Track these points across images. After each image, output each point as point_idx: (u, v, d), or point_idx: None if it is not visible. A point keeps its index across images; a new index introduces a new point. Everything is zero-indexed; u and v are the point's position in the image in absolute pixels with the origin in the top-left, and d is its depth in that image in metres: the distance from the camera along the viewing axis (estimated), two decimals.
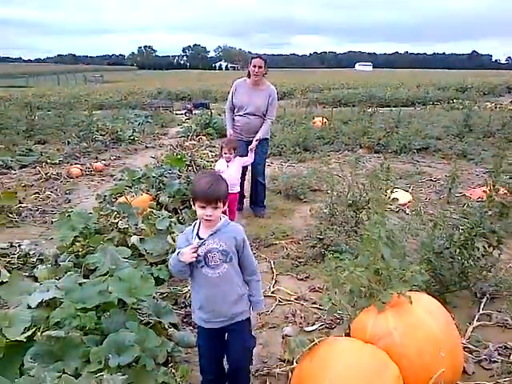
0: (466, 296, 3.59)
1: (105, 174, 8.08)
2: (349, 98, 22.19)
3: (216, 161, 5.78)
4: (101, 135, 11.22)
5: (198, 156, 7.88)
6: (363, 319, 2.61)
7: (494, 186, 3.30)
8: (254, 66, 5.21)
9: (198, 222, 2.30)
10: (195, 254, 2.18)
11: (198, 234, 2.26)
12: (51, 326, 2.52)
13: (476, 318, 3.34)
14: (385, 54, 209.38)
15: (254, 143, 5.31)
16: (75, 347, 2.42)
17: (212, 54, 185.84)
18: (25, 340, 2.43)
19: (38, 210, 5.90)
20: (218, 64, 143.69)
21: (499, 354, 2.95)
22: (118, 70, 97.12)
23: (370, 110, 13.60)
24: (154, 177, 5.86)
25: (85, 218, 3.92)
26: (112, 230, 3.93)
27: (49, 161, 8.79)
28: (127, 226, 3.88)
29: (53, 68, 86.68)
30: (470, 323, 3.28)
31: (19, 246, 4.56)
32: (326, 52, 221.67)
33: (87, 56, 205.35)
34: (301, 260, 4.29)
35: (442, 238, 3.37)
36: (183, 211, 5.28)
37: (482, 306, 3.47)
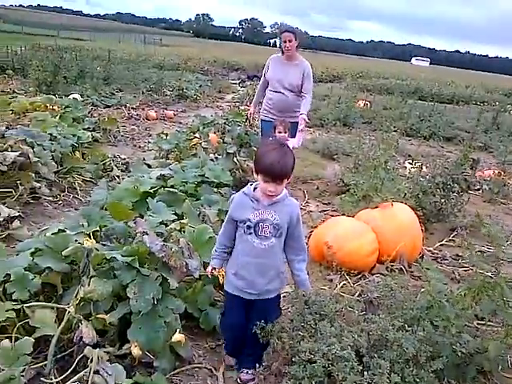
0: (441, 228, 5.00)
1: (175, 121, 9.72)
2: (395, 87, 23.08)
3: None
4: (168, 91, 12.88)
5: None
6: (361, 212, 4.10)
7: (469, 147, 4.64)
8: (285, 41, 4.89)
9: (255, 184, 2.24)
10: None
11: (255, 198, 2.20)
12: (167, 188, 4.10)
13: (444, 240, 4.75)
14: (445, 51, 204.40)
15: (303, 123, 4.75)
16: (181, 200, 3.99)
17: (268, 29, 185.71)
18: (152, 191, 4.02)
19: (128, 137, 7.58)
20: (272, 41, 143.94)
21: (451, 258, 4.37)
22: (174, 35, 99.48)
23: (411, 100, 14.74)
24: (219, 123, 7.41)
25: (177, 137, 5.52)
26: (196, 148, 5.52)
27: (128, 104, 10.49)
28: (206, 147, 5.46)
29: (114, 26, 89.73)
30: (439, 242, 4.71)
31: (119, 156, 6.24)
32: (383, 41, 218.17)
33: (145, 17, 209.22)
34: (327, 192, 5.77)
35: (427, 180, 4.77)
36: (241, 151, 6.81)
37: (450, 234, 4.88)
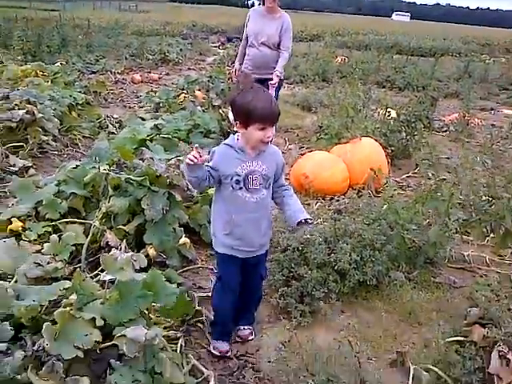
0: (408, 163, 5.61)
1: (160, 83, 10.09)
2: (373, 43, 23.37)
3: None
4: (151, 55, 13.14)
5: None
6: (334, 148, 4.68)
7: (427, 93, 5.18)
8: None
9: (237, 135, 2.15)
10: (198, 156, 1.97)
11: (241, 149, 2.11)
12: (161, 135, 4.61)
13: (410, 172, 5.37)
14: (426, 4, 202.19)
15: (276, 78, 4.74)
16: (175, 145, 4.51)
17: None
18: (148, 138, 4.52)
19: (117, 99, 8.01)
20: (250, 1, 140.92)
21: (414, 185, 4.99)
22: (149, 1, 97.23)
23: (388, 54, 15.16)
24: (204, 81, 7.84)
25: (166, 93, 5.99)
26: (183, 103, 6.01)
27: (113, 70, 10.80)
28: (194, 101, 5.95)
29: None
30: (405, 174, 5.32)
31: (112, 116, 6.69)
32: None
33: None
34: (306, 138, 6.32)
35: (393, 120, 5.34)
36: (226, 104, 7.29)
37: (415, 168, 5.50)
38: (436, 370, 2.04)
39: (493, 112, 9.63)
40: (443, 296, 2.88)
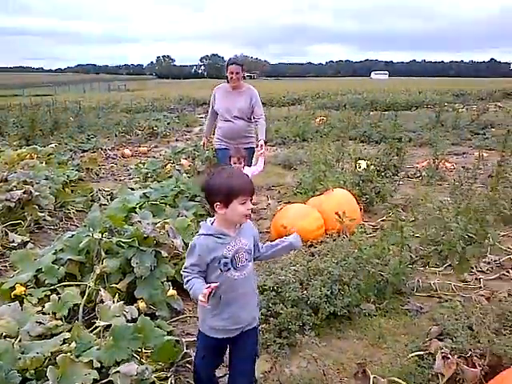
0: (383, 208, 5.99)
1: (149, 156, 10.65)
2: (352, 102, 24.53)
3: None
4: (139, 130, 13.86)
5: None
6: (310, 200, 5.08)
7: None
8: (231, 73, 5.10)
9: (210, 220, 2.16)
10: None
11: (221, 233, 2.08)
12: (150, 202, 4.99)
13: (384, 217, 5.73)
14: (402, 62, 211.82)
15: (262, 149, 4.95)
16: (162, 210, 4.88)
17: None
18: (137, 206, 4.90)
19: (109, 173, 8.49)
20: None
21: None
22: (138, 79, 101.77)
23: (365, 111, 16.05)
24: (189, 150, 8.38)
25: (154, 164, 6.45)
26: (170, 172, 6.46)
27: (104, 147, 11.40)
28: (179, 169, 6.41)
29: (77, 78, 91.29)
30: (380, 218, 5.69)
31: (104, 189, 7.12)
32: (342, 60, 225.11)
33: (107, 66, 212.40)
34: (286, 193, 6.74)
35: (364, 170, 5.79)
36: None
37: (389, 212, 5.87)
38: (396, 379, 2.30)
39: (464, 155, 10.20)
40: (410, 321, 3.16)
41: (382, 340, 2.91)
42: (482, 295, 3.55)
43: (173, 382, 2.50)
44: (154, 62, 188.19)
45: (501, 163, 4.68)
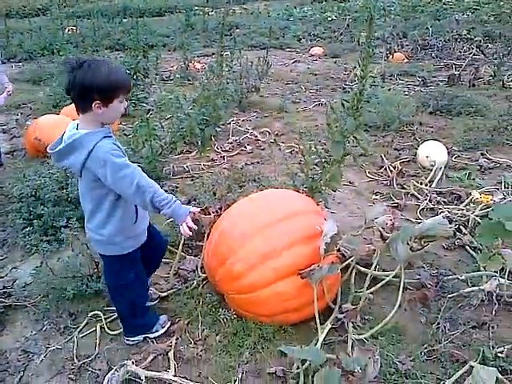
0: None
1: None
2: (103, 10, 23.15)
3: None
4: None
5: None
6: (63, 109, 4.98)
7: None
8: None
9: (73, 123, 1.89)
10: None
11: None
12: None
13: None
14: None
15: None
16: None
17: None
18: None
19: None
20: None
21: None
22: None
23: (117, 19, 15.37)
24: None
25: None
26: None
27: None
28: None
29: None
30: None
31: None
32: None
33: None
34: (39, 110, 6.41)
35: None
36: None
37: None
38: None
39: (214, 56, 10.97)
40: None
41: None
42: (225, 168, 4.27)
43: None
44: None
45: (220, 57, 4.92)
